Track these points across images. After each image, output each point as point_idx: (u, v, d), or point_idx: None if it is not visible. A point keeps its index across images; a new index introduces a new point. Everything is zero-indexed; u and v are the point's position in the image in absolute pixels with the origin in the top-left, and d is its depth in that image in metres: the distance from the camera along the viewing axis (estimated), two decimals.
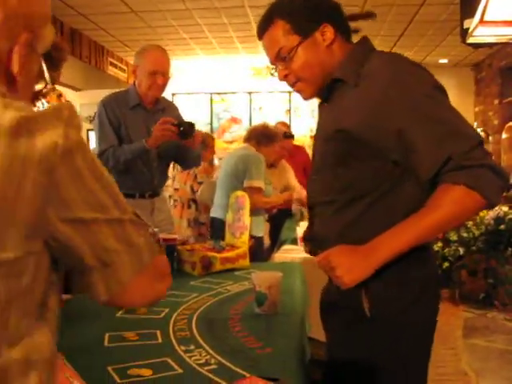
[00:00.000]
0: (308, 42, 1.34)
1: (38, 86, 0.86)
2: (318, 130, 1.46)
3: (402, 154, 1.24)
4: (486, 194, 1.17)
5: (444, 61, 8.79)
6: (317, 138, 1.46)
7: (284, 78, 1.40)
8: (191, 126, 2.63)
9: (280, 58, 1.38)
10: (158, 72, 2.67)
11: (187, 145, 2.68)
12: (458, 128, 1.20)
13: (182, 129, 2.59)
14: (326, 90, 1.39)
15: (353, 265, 1.25)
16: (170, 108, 2.89)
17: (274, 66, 1.43)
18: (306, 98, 1.45)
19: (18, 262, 0.69)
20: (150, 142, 2.60)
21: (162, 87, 2.70)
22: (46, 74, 0.83)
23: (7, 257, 0.67)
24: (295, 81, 1.40)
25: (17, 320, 0.71)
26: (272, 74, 1.47)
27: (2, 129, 0.64)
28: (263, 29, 1.40)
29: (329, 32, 1.34)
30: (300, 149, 5.18)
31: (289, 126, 5.64)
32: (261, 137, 3.67)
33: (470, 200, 1.18)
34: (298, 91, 1.43)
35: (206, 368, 1.19)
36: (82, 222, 0.71)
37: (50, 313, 0.76)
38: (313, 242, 1.48)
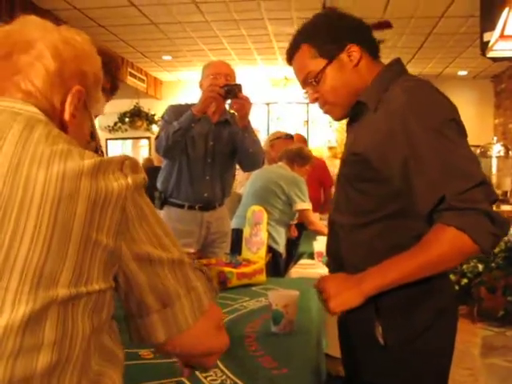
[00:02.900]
0: (334, 64, 1.36)
1: (91, 146, 0.90)
2: (344, 150, 1.48)
3: (404, 185, 1.23)
4: (477, 238, 1.13)
5: (463, 73, 8.71)
6: (342, 158, 1.49)
7: (314, 100, 1.43)
8: (236, 85, 2.56)
9: (308, 82, 1.40)
10: (220, 73, 2.64)
11: (234, 108, 2.59)
12: (458, 167, 1.16)
13: (226, 88, 2.53)
14: (352, 111, 1.40)
15: (340, 291, 1.28)
16: (234, 118, 2.79)
17: (305, 90, 1.44)
18: (335, 120, 1.48)
19: (102, 295, 0.74)
20: (197, 108, 2.55)
21: None
22: (98, 136, 0.88)
23: (93, 289, 0.72)
24: (324, 103, 1.43)
25: (95, 360, 0.75)
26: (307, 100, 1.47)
27: (84, 169, 0.71)
28: (291, 55, 1.43)
29: (355, 52, 1.35)
30: (318, 162, 5.14)
31: (305, 139, 5.69)
32: (295, 157, 3.81)
33: (460, 243, 1.14)
34: (327, 113, 1.45)
35: None
36: (149, 259, 0.77)
37: (115, 355, 0.80)
38: (329, 259, 1.51)
